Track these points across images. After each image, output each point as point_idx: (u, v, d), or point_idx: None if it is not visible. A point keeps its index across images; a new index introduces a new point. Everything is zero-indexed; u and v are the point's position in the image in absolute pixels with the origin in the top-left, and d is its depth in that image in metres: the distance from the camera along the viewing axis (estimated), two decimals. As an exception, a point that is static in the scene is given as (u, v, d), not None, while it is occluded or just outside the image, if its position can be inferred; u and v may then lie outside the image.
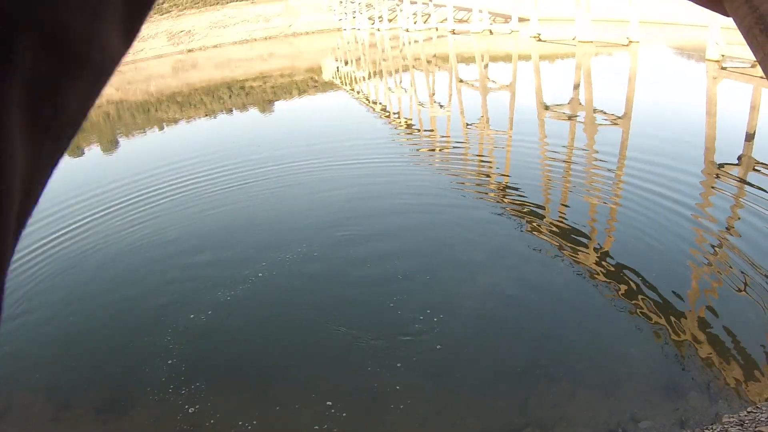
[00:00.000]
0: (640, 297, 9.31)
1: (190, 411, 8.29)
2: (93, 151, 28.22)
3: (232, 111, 34.45)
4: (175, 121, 33.83)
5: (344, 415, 7.81)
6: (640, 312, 8.92)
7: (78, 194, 19.28)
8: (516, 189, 14.34)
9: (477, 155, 18.08)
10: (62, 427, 8.42)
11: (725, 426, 6.58)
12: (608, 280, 9.91)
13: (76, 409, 8.73)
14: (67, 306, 11.72)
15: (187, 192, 18.20)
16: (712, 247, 10.49)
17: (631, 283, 9.76)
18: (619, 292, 9.52)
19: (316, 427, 7.69)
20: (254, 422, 7.94)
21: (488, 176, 15.81)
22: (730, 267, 9.78)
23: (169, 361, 9.42)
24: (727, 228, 11.10)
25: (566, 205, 12.97)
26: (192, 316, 10.61)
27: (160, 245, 14.33)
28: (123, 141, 29.60)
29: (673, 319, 8.66)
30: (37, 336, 10.84)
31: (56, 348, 10.38)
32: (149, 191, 18.62)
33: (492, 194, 14.40)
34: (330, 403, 8.05)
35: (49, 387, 9.25)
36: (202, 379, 8.88)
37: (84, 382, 9.33)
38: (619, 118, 18.86)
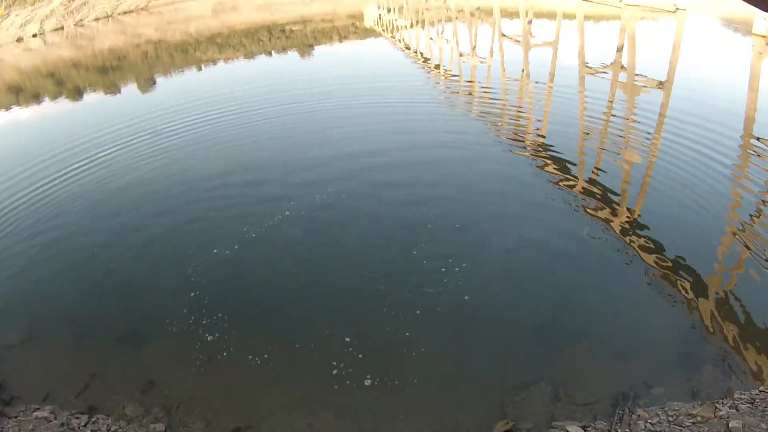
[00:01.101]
0: (665, 264, 9.28)
1: (209, 339, 8.53)
2: (129, 89, 28.31)
3: (271, 54, 34.36)
4: (214, 61, 33.76)
5: (360, 356, 7.98)
6: (664, 279, 8.90)
7: (107, 126, 19.50)
8: (551, 144, 14.30)
9: (516, 107, 18.02)
10: (83, 355, 8.67)
11: (736, 402, 6.59)
12: (635, 244, 9.87)
13: (98, 338, 8.99)
14: (92, 236, 11.93)
15: (221, 125, 18.52)
16: (742, 223, 10.34)
17: (658, 248, 9.73)
18: (645, 257, 9.50)
19: (334, 363, 7.89)
20: (265, 356, 8.16)
21: (525, 128, 15.76)
22: (758, 244, 9.72)
23: (192, 294, 9.60)
24: (763, 201, 10.96)
25: (600, 165, 12.90)
26: (215, 250, 10.80)
27: (189, 177, 14.54)
28: (160, 80, 29.61)
29: (695, 290, 8.66)
30: (60, 266, 11.03)
31: (80, 278, 10.59)
32: (184, 123, 18.92)
33: (527, 146, 14.39)
34: (348, 339, 8.25)
35: (72, 316, 9.50)
36: (223, 313, 9.07)
37: (106, 312, 9.57)
38: (661, 83, 18.68)
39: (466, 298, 8.86)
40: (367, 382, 7.52)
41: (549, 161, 13.20)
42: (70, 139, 18.77)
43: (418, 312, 8.62)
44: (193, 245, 11.10)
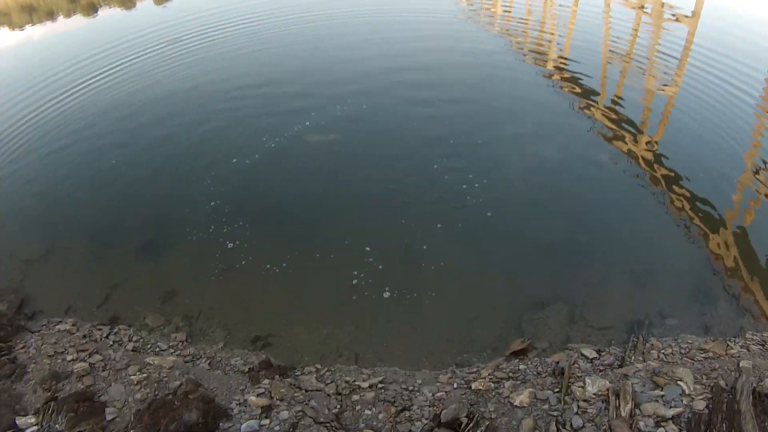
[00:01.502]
0: (684, 194, 9.30)
1: (228, 248, 8.65)
2: (145, 2, 28.01)
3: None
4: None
5: (380, 267, 8.08)
6: (682, 209, 8.93)
7: (124, 38, 19.42)
8: (574, 67, 14.17)
9: (538, 27, 17.81)
10: (103, 266, 8.74)
11: (747, 342, 6.67)
12: (655, 172, 9.88)
13: (117, 249, 9.05)
14: (109, 147, 11.89)
15: (242, 34, 18.43)
16: (763, 159, 10.27)
17: (677, 178, 9.73)
18: (664, 186, 9.52)
19: (354, 273, 8.03)
20: (284, 265, 8.29)
21: (547, 50, 15.64)
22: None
23: (212, 203, 9.66)
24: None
25: (622, 91, 12.84)
26: (235, 160, 10.81)
27: (211, 83, 14.50)
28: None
29: (713, 223, 8.69)
30: (78, 178, 11.02)
31: (98, 189, 10.59)
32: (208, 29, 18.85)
33: (549, 67, 14.29)
34: (368, 249, 8.35)
35: (91, 228, 9.53)
36: (242, 221, 9.15)
37: (125, 223, 9.61)
38: (687, 16, 18.41)
39: (489, 214, 8.92)
40: (386, 294, 7.64)
41: (570, 83, 13.13)
42: (86, 52, 18.57)
43: (438, 226, 8.69)
44: (213, 154, 11.13)
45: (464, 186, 9.52)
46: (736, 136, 10.88)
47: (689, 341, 6.72)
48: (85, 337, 7.36)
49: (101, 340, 7.33)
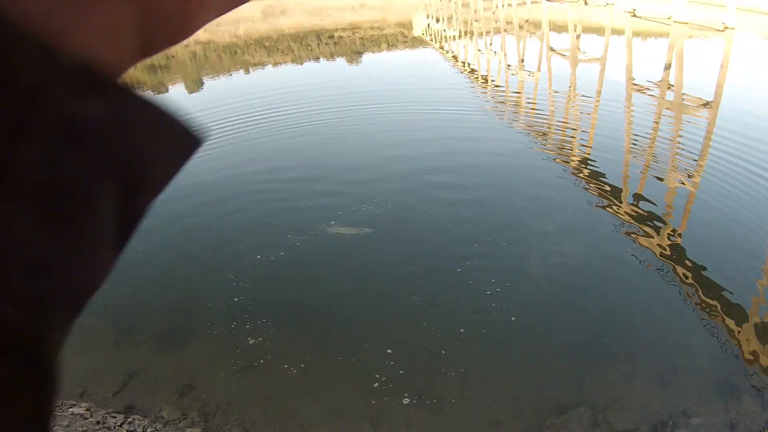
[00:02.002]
0: (707, 289, 9.20)
1: (249, 344, 8.59)
2: (177, 89, 28.58)
3: (319, 59, 34.53)
4: (262, 64, 34.00)
5: (401, 371, 7.95)
6: (705, 305, 8.83)
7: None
8: (596, 161, 14.24)
9: (562, 121, 17.97)
10: (122, 353, 8.72)
11: (773, 435, 6.61)
12: (678, 267, 9.79)
13: (137, 336, 9.04)
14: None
15: (268, 126, 18.72)
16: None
17: (701, 273, 9.64)
18: (687, 281, 9.43)
19: (376, 376, 7.88)
20: (303, 365, 8.15)
21: (570, 144, 15.75)
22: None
23: (235, 299, 9.68)
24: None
25: (645, 185, 12.83)
26: (259, 256, 10.86)
27: (234, 177, 14.75)
28: (208, 81, 29.86)
29: (737, 317, 8.57)
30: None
31: (122, 271, 10.59)
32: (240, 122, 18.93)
33: (572, 162, 14.36)
34: (390, 351, 8.24)
35: (112, 312, 9.49)
36: (265, 319, 9.12)
37: (147, 309, 9.67)
38: (708, 103, 18.57)
39: (513, 318, 8.84)
40: (406, 400, 7.53)
41: (593, 179, 13.16)
42: None
43: (462, 330, 8.62)
44: (238, 247, 11.22)
45: (487, 291, 9.48)
46: (760, 229, 10.82)
47: (715, 439, 6.61)
48: (98, 423, 7.31)
49: (115, 428, 7.27)
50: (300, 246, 11.08)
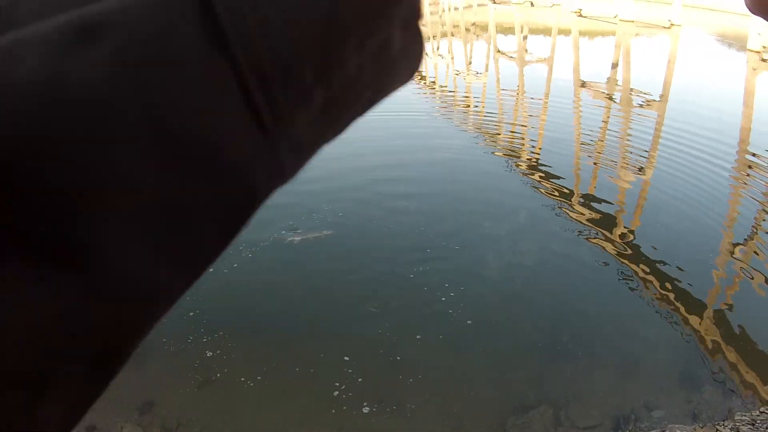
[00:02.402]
0: (662, 281, 9.28)
1: (207, 357, 8.36)
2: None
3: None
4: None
5: (360, 379, 7.84)
6: (661, 297, 8.90)
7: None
8: (547, 161, 14.28)
9: (510, 123, 17.97)
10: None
11: (737, 424, 6.56)
12: (632, 261, 9.86)
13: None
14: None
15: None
16: (739, 244, 10.36)
17: (655, 265, 9.72)
18: (642, 275, 9.49)
19: (336, 384, 7.72)
20: (262, 376, 8.00)
21: (521, 144, 15.79)
22: (756, 260, 9.76)
23: (191, 313, 9.49)
24: (755, 223, 10.99)
25: (596, 182, 12.89)
26: (210, 269, 10.67)
27: None
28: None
29: (693, 307, 8.64)
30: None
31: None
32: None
33: (523, 162, 14.40)
34: (348, 359, 8.12)
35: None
36: (221, 331, 8.91)
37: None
38: (656, 101, 18.73)
39: (469, 322, 8.77)
40: (366, 409, 7.43)
41: (544, 179, 13.18)
42: None
43: (418, 337, 8.53)
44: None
45: (442, 295, 9.40)
46: (711, 219, 11.00)
47: (677, 431, 6.60)
48: (59, 444, 7.12)
49: (77, 448, 7.08)
50: (252, 257, 10.96)
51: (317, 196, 12.73)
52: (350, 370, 8.00)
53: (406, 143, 16.25)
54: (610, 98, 19.67)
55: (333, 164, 14.65)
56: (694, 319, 8.38)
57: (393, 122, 17.81)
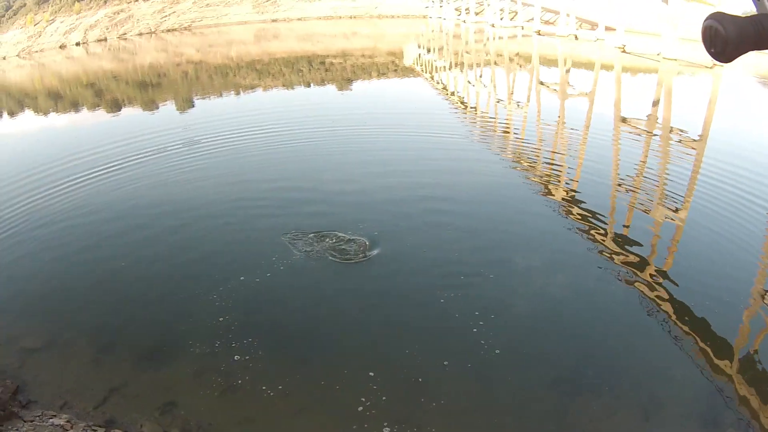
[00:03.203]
0: (691, 323, 9.23)
1: (232, 365, 8.52)
2: (168, 108, 28.55)
3: (309, 85, 34.58)
4: (252, 87, 34.03)
5: (384, 398, 7.91)
6: (689, 339, 8.84)
7: (140, 136, 19.80)
8: (583, 195, 14.28)
9: (549, 155, 17.99)
10: (104, 367, 8.70)
11: (758, 470, 6.60)
12: (662, 302, 9.81)
13: (120, 352, 9.03)
14: (118, 247, 12.21)
15: (261, 142, 18.60)
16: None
17: (685, 307, 9.66)
18: (671, 315, 9.44)
19: (362, 399, 7.83)
20: (286, 387, 8.13)
21: (558, 177, 15.77)
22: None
23: (220, 318, 9.66)
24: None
25: (631, 220, 12.87)
26: (242, 278, 10.87)
27: (225, 192, 15.00)
28: (198, 101, 29.85)
29: (720, 351, 8.58)
30: (86, 273, 11.25)
31: (105, 289, 10.76)
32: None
33: (559, 195, 14.37)
34: (373, 378, 8.21)
35: (95, 327, 9.60)
36: (250, 338, 9.12)
37: (129, 327, 9.67)
38: (695, 139, 18.66)
39: (497, 351, 8.77)
40: (386, 430, 7.43)
41: (580, 212, 13.20)
42: (103, 145, 19.14)
43: (445, 363, 8.55)
44: (222, 268, 11.25)
45: (472, 323, 9.43)
46: (744, 265, 10.93)
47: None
48: (78, 435, 7.25)
49: (95, 441, 7.21)
50: (284, 269, 11.06)
51: (354, 216, 12.87)
52: (374, 387, 8.06)
53: (443, 169, 16.41)
54: (650, 135, 19.60)
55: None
56: (720, 363, 8.33)
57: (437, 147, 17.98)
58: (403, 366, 8.50)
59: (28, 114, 26.97)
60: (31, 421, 7.43)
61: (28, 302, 10.36)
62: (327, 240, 11.93)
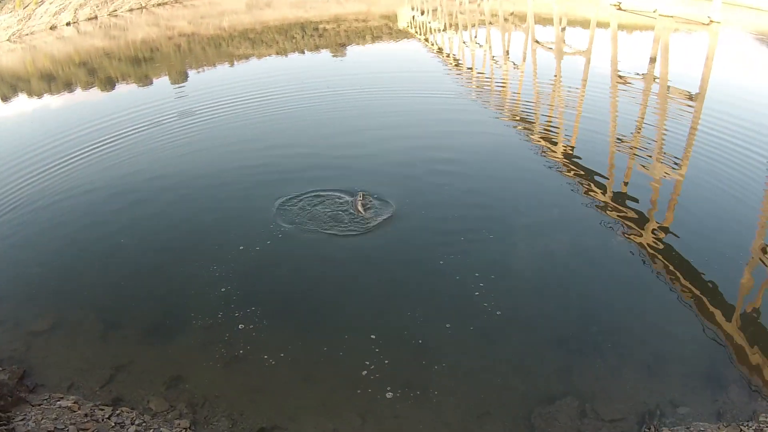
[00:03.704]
0: (693, 279, 9.25)
1: (235, 336, 8.57)
2: (162, 81, 28.42)
3: (304, 51, 34.38)
4: (246, 57, 33.82)
5: (387, 362, 7.96)
6: (691, 295, 8.88)
7: (135, 109, 19.82)
8: (581, 154, 14.29)
9: (547, 113, 17.97)
10: (109, 346, 8.69)
11: (761, 425, 6.57)
12: (663, 258, 9.83)
13: (125, 329, 9.02)
14: (120, 222, 12.19)
15: (258, 111, 18.79)
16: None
17: (686, 263, 9.69)
18: (673, 272, 9.47)
19: (367, 362, 7.90)
20: (291, 355, 8.20)
21: (555, 136, 15.75)
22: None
23: (222, 289, 9.67)
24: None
25: (630, 177, 12.86)
26: (242, 247, 10.86)
27: (223, 161, 15.07)
28: (192, 73, 29.70)
29: (722, 307, 8.61)
30: (87, 255, 11.17)
31: (106, 268, 10.70)
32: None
33: (557, 153, 14.35)
34: (375, 343, 8.25)
35: (98, 306, 9.54)
36: (251, 308, 9.13)
37: (132, 303, 9.64)
38: (693, 95, 18.60)
39: (498, 313, 8.79)
40: (389, 394, 7.49)
41: (578, 170, 13.18)
42: (98, 120, 19.16)
43: (447, 326, 8.58)
44: (221, 238, 11.24)
45: (473, 285, 9.45)
46: (744, 219, 10.97)
47: (702, 429, 6.63)
48: (86, 416, 7.26)
49: (103, 420, 7.22)
50: (282, 237, 11.05)
51: (362, 171, 12.94)
52: (378, 351, 8.09)
53: (443, 128, 16.48)
54: (648, 93, 19.53)
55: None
56: (722, 319, 8.35)
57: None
58: (405, 329, 8.53)
59: (21, 97, 26.85)
60: (39, 405, 7.44)
61: (30, 285, 10.32)
62: (326, 204, 11.89)
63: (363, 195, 11.77)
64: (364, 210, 11.40)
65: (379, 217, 11.41)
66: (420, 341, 8.29)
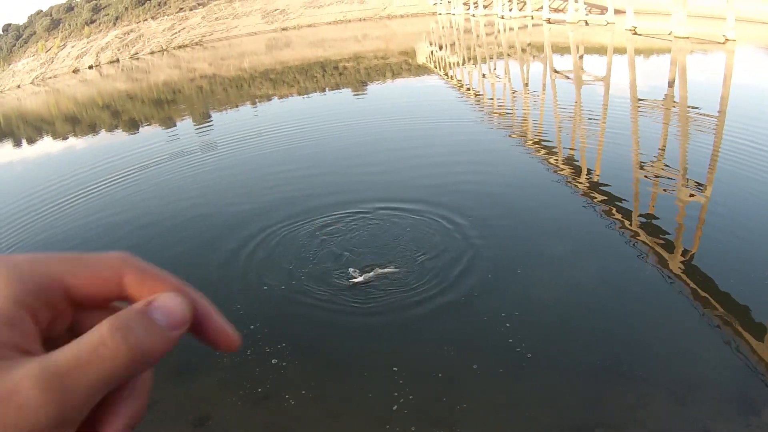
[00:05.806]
0: (721, 305, 9.12)
1: (265, 373, 8.47)
2: (185, 123, 28.71)
3: (325, 90, 34.65)
4: (268, 97, 34.12)
5: (411, 397, 7.85)
6: (721, 320, 8.73)
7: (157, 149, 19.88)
8: (605, 180, 14.24)
9: (569, 142, 17.99)
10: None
11: (795, 449, 6.56)
12: (691, 284, 9.71)
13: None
14: (147, 251, 12.14)
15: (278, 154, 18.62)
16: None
17: (714, 289, 9.57)
18: (701, 298, 9.34)
19: (391, 406, 7.75)
20: (318, 394, 8.10)
21: (579, 163, 15.76)
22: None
23: (251, 327, 9.65)
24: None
25: (655, 203, 12.82)
26: (265, 287, 10.86)
27: (250, 203, 14.83)
28: (215, 114, 29.99)
29: (754, 332, 8.47)
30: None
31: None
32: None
33: (582, 182, 14.34)
34: (401, 382, 8.14)
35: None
36: (279, 347, 9.11)
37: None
38: (713, 116, 18.59)
39: (529, 356, 8.63)
40: (413, 428, 7.41)
41: (603, 197, 13.15)
42: (115, 159, 19.34)
43: (474, 367, 8.47)
44: (244, 278, 11.22)
45: (500, 306, 9.47)
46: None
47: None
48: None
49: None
50: (305, 278, 11.06)
51: (379, 211, 12.90)
52: (406, 389, 7.95)
53: (465, 163, 16.40)
54: (668, 115, 19.55)
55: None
56: (753, 342, 8.28)
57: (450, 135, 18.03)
58: (432, 366, 8.45)
59: (46, 140, 27.24)
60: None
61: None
62: (342, 245, 11.93)
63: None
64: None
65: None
66: (446, 376, 8.23)
